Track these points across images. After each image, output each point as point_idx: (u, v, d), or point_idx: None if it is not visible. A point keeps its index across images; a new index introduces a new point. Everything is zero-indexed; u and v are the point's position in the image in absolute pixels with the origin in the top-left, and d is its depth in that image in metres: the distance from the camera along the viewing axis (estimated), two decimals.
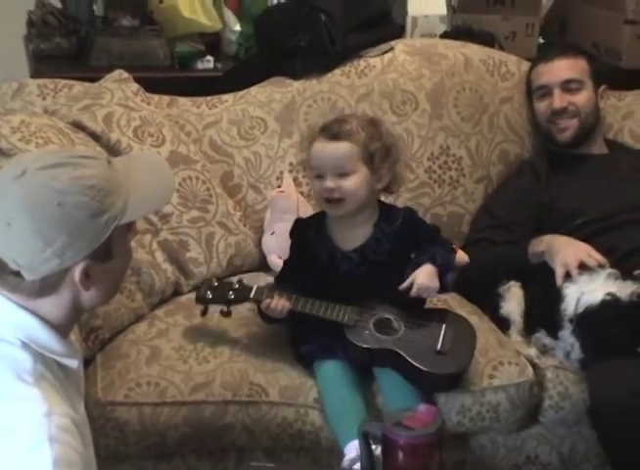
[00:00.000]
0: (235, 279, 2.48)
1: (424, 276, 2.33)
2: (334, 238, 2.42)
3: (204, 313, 2.42)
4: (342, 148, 2.31)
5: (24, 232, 1.54)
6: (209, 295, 2.41)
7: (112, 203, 1.60)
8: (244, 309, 2.56)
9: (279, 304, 2.33)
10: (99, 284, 1.63)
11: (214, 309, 2.43)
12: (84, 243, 1.57)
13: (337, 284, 2.40)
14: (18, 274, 1.57)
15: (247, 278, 2.57)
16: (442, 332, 2.39)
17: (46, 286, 1.59)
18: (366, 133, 2.34)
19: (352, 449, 2.15)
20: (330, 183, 2.32)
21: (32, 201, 1.54)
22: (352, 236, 2.42)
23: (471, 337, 2.44)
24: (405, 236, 2.42)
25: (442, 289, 2.37)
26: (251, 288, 2.39)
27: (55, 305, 1.62)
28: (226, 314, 2.41)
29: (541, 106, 3.03)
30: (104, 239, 1.60)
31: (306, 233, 2.45)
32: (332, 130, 2.34)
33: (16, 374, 1.54)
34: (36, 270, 1.57)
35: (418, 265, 2.34)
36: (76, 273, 1.59)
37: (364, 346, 2.32)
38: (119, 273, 1.71)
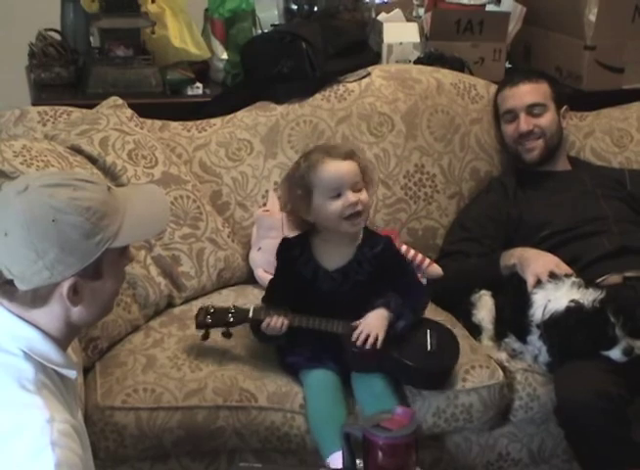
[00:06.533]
0: (227, 305, 2.44)
1: (373, 317, 2.35)
2: (318, 258, 2.42)
3: (205, 337, 2.40)
4: (354, 165, 2.34)
5: (19, 243, 1.55)
6: (209, 319, 2.38)
7: (105, 226, 1.60)
8: None
9: (278, 322, 2.32)
10: (87, 302, 1.63)
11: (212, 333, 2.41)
12: (74, 260, 1.57)
13: (319, 301, 2.40)
14: (11, 284, 1.58)
15: (237, 302, 2.54)
16: (428, 335, 2.42)
17: (37, 297, 1.59)
18: (357, 155, 2.40)
19: (337, 461, 2.12)
20: (353, 197, 2.31)
21: (30, 214, 1.55)
22: (335, 257, 2.42)
23: (450, 334, 2.48)
24: (384, 262, 2.42)
25: (393, 333, 2.37)
26: (248, 309, 2.38)
27: (49, 317, 1.62)
28: (227, 335, 2.41)
29: (509, 129, 3.04)
30: (94, 259, 1.59)
31: (292, 251, 2.44)
32: (340, 152, 2.35)
33: (19, 383, 1.54)
34: (27, 281, 1.57)
35: (373, 308, 2.37)
36: (64, 288, 1.59)
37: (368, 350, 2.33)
38: (109, 295, 1.69)
